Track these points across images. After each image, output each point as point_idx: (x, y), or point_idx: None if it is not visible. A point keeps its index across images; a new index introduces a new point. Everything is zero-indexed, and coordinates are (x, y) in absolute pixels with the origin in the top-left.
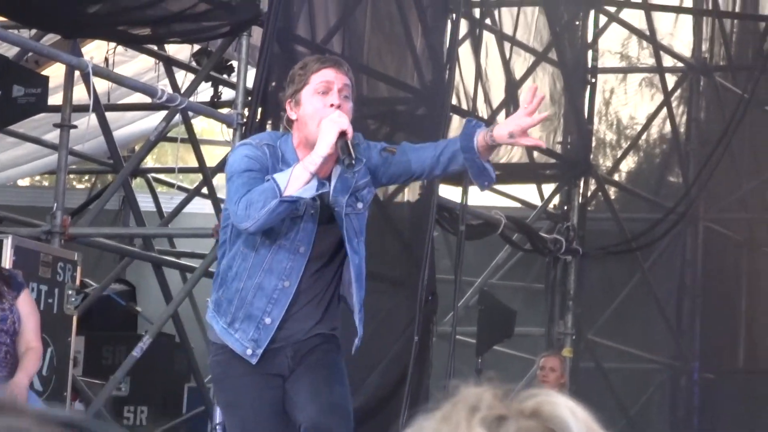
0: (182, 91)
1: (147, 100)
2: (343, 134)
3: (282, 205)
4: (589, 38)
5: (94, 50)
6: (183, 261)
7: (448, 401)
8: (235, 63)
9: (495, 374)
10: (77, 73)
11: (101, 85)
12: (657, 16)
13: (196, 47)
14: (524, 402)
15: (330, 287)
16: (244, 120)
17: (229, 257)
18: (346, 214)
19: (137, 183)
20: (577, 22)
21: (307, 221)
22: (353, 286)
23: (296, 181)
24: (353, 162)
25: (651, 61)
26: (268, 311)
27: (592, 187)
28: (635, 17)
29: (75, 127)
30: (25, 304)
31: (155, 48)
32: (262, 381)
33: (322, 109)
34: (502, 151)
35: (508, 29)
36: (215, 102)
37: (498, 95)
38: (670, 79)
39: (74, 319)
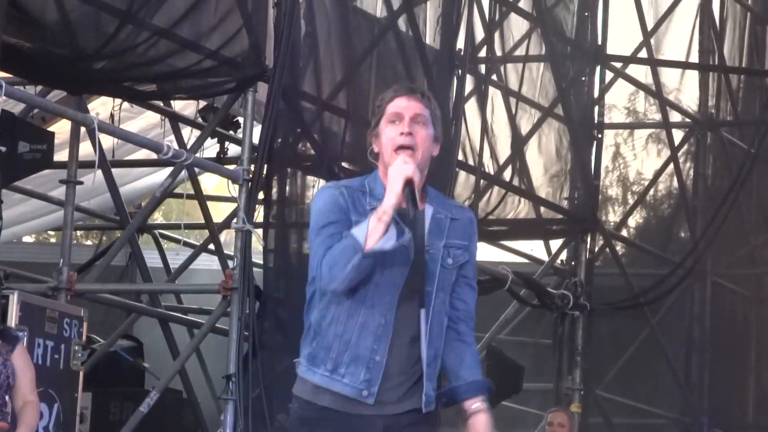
0: (188, 147)
1: (153, 156)
2: (409, 182)
3: (366, 260)
4: (596, 94)
5: (100, 106)
6: (190, 317)
7: None
8: (241, 119)
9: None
10: (83, 129)
11: (107, 141)
12: (663, 71)
13: (202, 103)
14: None
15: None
16: (250, 176)
17: (321, 308)
18: (434, 260)
19: (144, 239)
20: (583, 78)
21: (400, 254)
22: (423, 337)
23: (374, 234)
24: (415, 212)
25: (657, 117)
26: (376, 349)
27: (600, 242)
28: (641, 73)
29: (81, 183)
30: (20, 359)
31: (161, 104)
32: None
33: (393, 139)
34: (508, 207)
35: (513, 85)
36: (221, 158)
37: (504, 150)
38: (677, 135)
39: (81, 374)
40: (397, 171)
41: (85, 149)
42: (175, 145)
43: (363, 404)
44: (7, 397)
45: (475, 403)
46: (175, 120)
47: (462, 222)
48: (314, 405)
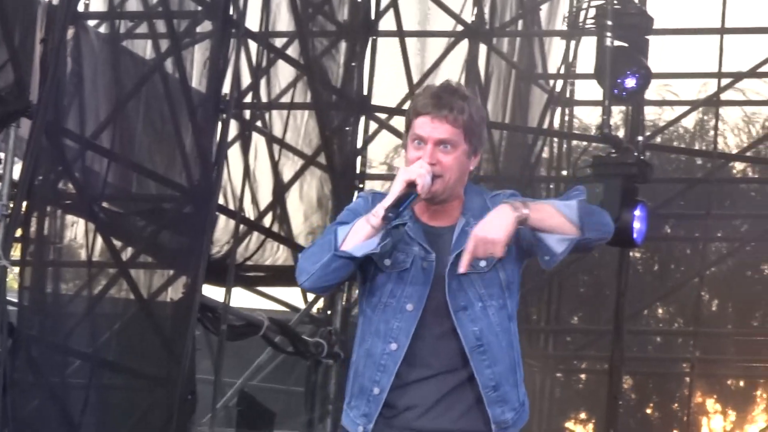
0: None
1: None
2: (411, 185)
3: (336, 260)
4: (359, 144)
5: None
6: None
7: None
8: (1, 154)
9: None
10: None
11: None
12: None
13: None
14: None
15: (465, 372)
16: (9, 212)
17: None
18: (464, 274)
19: None
20: (348, 128)
21: (417, 275)
22: (470, 361)
23: (355, 235)
24: (390, 216)
25: None
26: (377, 380)
27: (356, 292)
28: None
29: None
30: None
31: None
32: None
33: (412, 162)
34: (267, 253)
35: (278, 131)
36: None
37: (265, 197)
38: None
39: None
40: (405, 170)
41: None
42: None
43: (387, 429)
44: None
45: None
46: None
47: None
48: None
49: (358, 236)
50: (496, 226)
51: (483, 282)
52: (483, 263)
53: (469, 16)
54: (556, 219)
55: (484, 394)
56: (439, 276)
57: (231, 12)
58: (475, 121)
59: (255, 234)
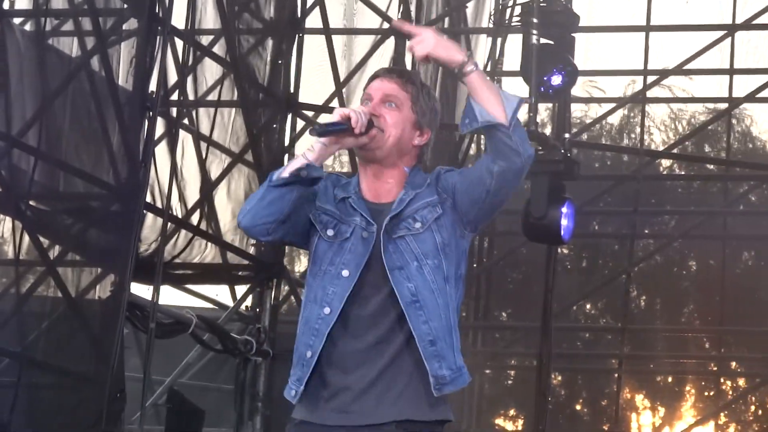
0: None
1: None
2: (346, 119)
3: (270, 191)
4: (286, 141)
5: None
6: None
7: None
8: None
9: None
10: None
11: None
12: None
13: None
14: None
15: (402, 337)
16: None
17: None
18: (400, 236)
19: None
20: (275, 125)
21: (357, 244)
22: (407, 317)
23: (290, 166)
24: (316, 129)
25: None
26: (310, 344)
27: (285, 289)
28: None
29: None
30: None
31: None
32: None
33: None
34: (195, 251)
35: (205, 129)
36: None
37: (193, 195)
38: None
39: None
40: (340, 109)
41: None
42: None
43: (325, 412)
44: None
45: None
46: None
47: (429, 183)
48: (293, 420)
49: (293, 166)
50: (443, 42)
51: (417, 242)
52: (418, 224)
53: (395, 14)
54: (494, 97)
55: (422, 348)
56: (378, 246)
57: (157, 10)
58: (424, 99)
59: (183, 232)
